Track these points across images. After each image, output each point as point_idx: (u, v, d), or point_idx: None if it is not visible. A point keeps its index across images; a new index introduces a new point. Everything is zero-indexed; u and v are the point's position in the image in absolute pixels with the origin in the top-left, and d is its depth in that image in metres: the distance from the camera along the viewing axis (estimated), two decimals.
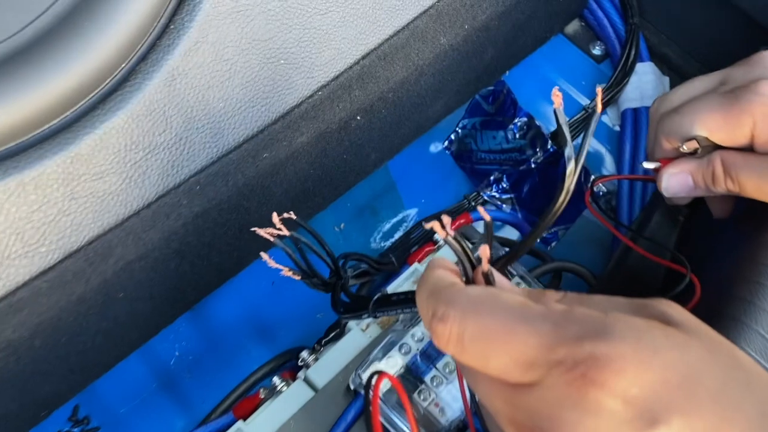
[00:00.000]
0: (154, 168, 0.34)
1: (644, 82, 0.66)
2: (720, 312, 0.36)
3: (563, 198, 0.27)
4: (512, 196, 0.71)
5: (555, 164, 0.68)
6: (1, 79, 0.29)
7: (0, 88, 0.30)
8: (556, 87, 0.26)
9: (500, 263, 0.30)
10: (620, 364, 0.22)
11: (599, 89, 0.31)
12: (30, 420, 0.42)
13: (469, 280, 0.29)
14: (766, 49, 0.57)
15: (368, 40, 0.41)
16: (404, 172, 0.73)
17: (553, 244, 0.70)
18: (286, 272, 0.38)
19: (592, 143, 0.70)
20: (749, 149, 0.39)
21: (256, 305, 0.66)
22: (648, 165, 0.43)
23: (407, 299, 0.37)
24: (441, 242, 0.65)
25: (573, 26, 0.72)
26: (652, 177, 0.47)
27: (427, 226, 0.29)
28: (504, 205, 0.71)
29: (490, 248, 0.31)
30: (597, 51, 0.71)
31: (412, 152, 0.71)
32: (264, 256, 0.38)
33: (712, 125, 0.39)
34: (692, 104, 0.41)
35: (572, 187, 0.27)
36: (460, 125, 0.72)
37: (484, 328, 0.25)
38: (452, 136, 0.73)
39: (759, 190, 0.38)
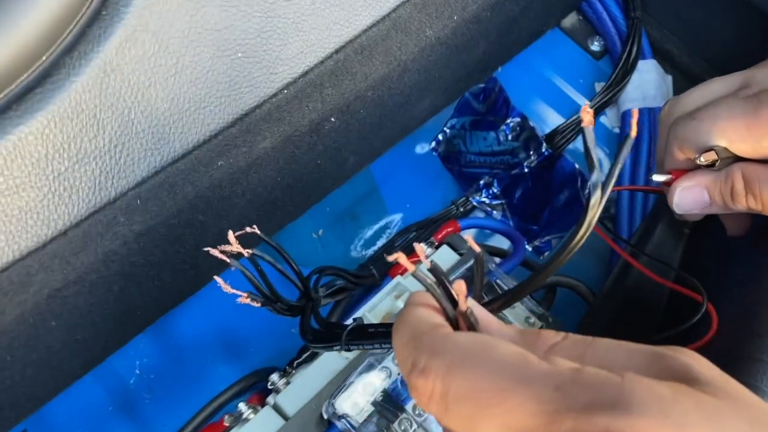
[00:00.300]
0: (83, 180, 0.29)
1: (646, 80, 0.61)
2: (741, 352, 0.31)
3: (584, 232, 0.22)
4: (503, 201, 0.66)
5: (549, 168, 0.63)
6: None
7: None
8: (588, 103, 0.21)
9: (495, 306, 0.25)
10: None
11: (635, 113, 0.26)
12: None
13: (453, 323, 0.25)
14: None
15: (343, 32, 0.35)
16: (388, 175, 0.68)
17: (546, 254, 0.66)
18: (244, 299, 0.33)
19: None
20: None
21: (225, 318, 0.61)
22: (658, 178, 0.39)
23: (387, 333, 0.32)
24: (426, 252, 0.60)
25: (570, 20, 0.67)
26: (661, 189, 0.42)
27: (390, 258, 0.24)
28: (494, 212, 0.66)
29: (481, 285, 0.26)
30: (596, 47, 0.66)
31: (396, 154, 0.66)
32: (218, 280, 0.33)
33: (733, 134, 0.35)
34: (710, 109, 0.36)
35: (595, 221, 0.22)
36: (449, 125, 0.67)
37: (473, 387, 0.21)
38: (440, 137, 0.68)
39: None
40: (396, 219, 0.68)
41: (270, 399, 0.50)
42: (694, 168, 0.37)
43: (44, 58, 0.27)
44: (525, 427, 0.19)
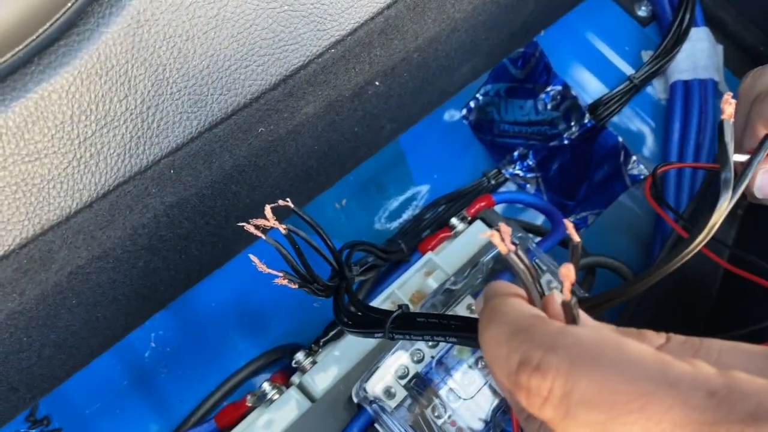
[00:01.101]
0: (112, 146, 0.25)
1: (698, 50, 0.57)
2: None
3: (703, 236, 0.19)
4: (538, 174, 0.62)
5: (591, 141, 0.60)
6: None
7: None
8: (729, 93, 0.18)
9: (586, 305, 0.22)
10: None
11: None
12: None
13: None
14: None
15: None
16: (415, 143, 0.64)
17: (581, 231, 0.62)
18: (281, 280, 0.30)
19: (634, 118, 0.61)
20: None
21: (245, 290, 0.58)
22: (739, 158, 0.35)
23: (440, 324, 0.29)
24: (458, 227, 0.57)
25: None
26: (716, 165, 0.39)
27: (484, 235, 0.22)
28: (528, 185, 0.63)
29: (576, 271, 0.23)
30: (643, 12, 0.62)
31: (424, 121, 0.62)
32: (254, 259, 0.30)
33: None
34: None
35: (719, 224, 0.19)
36: (482, 91, 0.63)
37: (605, 389, 0.18)
38: (471, 104, 0.64)
39: None
40: (423, 190, 0.64)
41: (295, 378, 0.48)
42: None
43: (70, 4, 0.23)
44: None
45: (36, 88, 0.23)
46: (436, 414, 0.43)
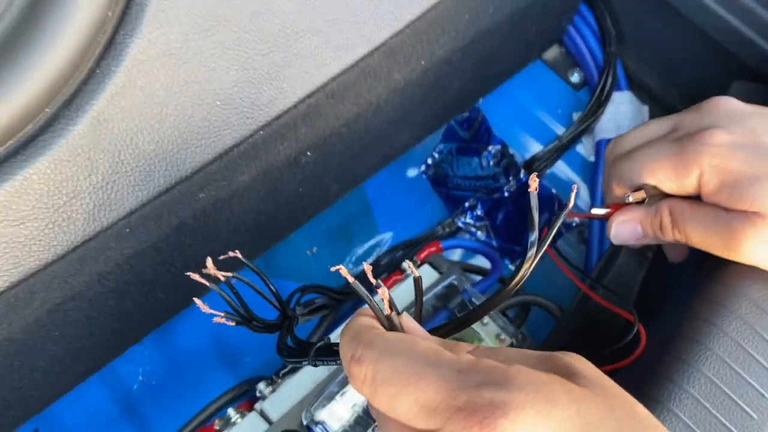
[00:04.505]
0: (79, 212, 0.34)
1: (620, 112, 0.65)
2: (659, 370, 0.35)
3: (516, 282, 0.27)
4: (487, 223, 0.70)
5: (528, 193, 0.67)
6: None
7: None
8: (534, 174, 0.26)
9: (441, 332, 0.30)
10: (517, 414, 0.23)
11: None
12: None
13: (387, 329, 0.29)
14: (736, 87, 0.56)
15: (313, 80, 0.40)
16: (380, 195, 0.72)
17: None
18: (219, 319, 0.38)
19: (567, 172, 0.69)
20: (697, 198, 0.38)
21: (223, 329, 0.65)
22: (597, 211, 0.42)
23: None
24: (408, 272, 0.64)
25: (552, 52, 0.71)
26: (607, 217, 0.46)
27: (333, 269, 0.30)
28: (479, 232, 0.70)
29: (420, 305, 0.31)
30: (575, 78, 0.70)
31: (389, 175, 0.71)
32: (198, 302, 0.37)
33: (660, 174, 0.38)
34: (643, 151, 0.40)
35: (529, 273, 0.27)
36: (437, 150, 0.72)
37: (395, 370, 0.25)
38: (429, 161, 0.72)
39: (704, 242, 0.37)
40: (387, 237, 0.72)
41: (257, 405, 0.55)
42: (629, 204, 0.41)
43: (47, 110, 0.32)
44: (432, 400, 0.24)
45: (21, 171, 0.32)
46: None
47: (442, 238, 0.68)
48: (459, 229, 0.69)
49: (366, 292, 0.29)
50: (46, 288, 0.34)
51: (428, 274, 0.60)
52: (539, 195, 0.71)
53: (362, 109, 0.45)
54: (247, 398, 0.58)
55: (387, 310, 0.28)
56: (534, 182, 0.29)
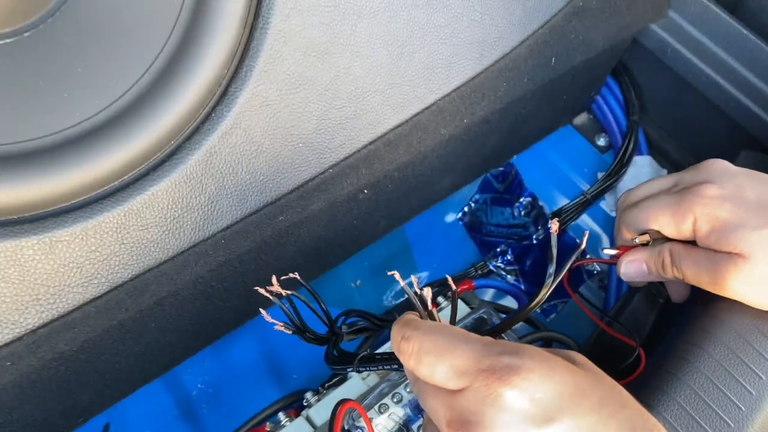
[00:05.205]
0: (188, 223, 0.43)
1: (641, 174, 0.73)
2: (654, 383, 0.41)
3: (537, 302, 0.35)
4: (516, 267, 0.77)
5: None
6: (81, 149, 0.39)
7: (81, 155, 0.39)
8: (556, 219, 0.35)
9: (486, 332, 0.38)
10: (528, 374, 0.31)
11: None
12: (68, 425, 0.50)
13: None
14: (744, 151, 0.63)
15: (375, 130, 0.49)
16: (420, 237, 0.81)
17: (552, 316, 0.76)
18: (279, 327, 0.46)
19: (591, 225, 0.76)
20: (693, 242, 0.45)
21: (276, 346, 0.74)
22: (608, 252, 0.50)
23: (388, 358, 0.44)
24: (443, 304, 0.72)
25: (581, 118, 0.79)
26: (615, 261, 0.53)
27: (390, 273, 0.38)
28: (508, 276, 0.77)
29: (454, 318, 0.39)
30: (601, 142, 0.78)
31: (428, 219, 0.79)
32: (263, 312, 0.45)
33: (662, 221, 0.46)
34: (648, 201, 0.47)
35: (546, 296, 0.36)
36: (473, 199, 0.80)
37: (435, 345, 0.33)
38: (465, 209, 0.80)
39: (696, 278, 0.44)
40: (423, 275, 0.80)
41: (304, 412, 0.62)
42: (636, 245, 0.48)
43: (172, 143, 0.42)
44: (463, 365, 0.32)
45: (149, 188, 0.41)
46: None
47: (474, 279, 0.76)
48: (490, 271, 0.77)
49: (413, 292, 0.37)
50: (156, 282, 0.43)
51: (461, 308, 0.68)
52: (565, 242, 0.80)
53: (412, 156, 0.54)
54: (296, 407, 0.66)
55: (430, 305, 0.36)
56: (555, 224, 0.37)
